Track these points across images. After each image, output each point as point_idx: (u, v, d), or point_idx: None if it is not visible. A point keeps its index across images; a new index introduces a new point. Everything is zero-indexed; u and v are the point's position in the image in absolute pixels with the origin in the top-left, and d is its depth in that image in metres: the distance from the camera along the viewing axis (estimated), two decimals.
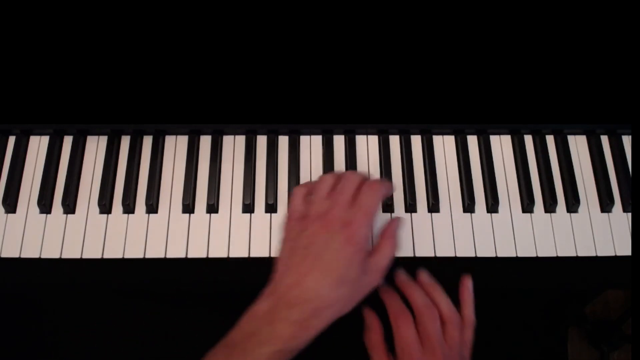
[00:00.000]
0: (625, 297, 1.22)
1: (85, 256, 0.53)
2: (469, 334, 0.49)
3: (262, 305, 0.43)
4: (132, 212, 0.55)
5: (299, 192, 0.49)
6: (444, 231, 0.55)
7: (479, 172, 0.58)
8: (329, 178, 0.48)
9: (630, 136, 0.59)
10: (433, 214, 0.56)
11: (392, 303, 0.49)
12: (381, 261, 0.46)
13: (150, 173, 0.56)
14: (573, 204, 0.56)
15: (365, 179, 0.48)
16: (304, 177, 0.57)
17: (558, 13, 0.60)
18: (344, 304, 0.43)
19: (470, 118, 0.58)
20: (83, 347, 0.64)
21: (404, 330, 0.47)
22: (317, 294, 0.41)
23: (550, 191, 0.56)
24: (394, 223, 0.50)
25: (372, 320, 0.50)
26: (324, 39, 0.59)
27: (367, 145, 0.58)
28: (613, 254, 0.54)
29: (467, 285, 0.51)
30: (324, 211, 0.44)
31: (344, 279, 0.42)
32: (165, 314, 0.65)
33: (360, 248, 0.43)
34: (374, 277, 0.45)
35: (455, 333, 0.48)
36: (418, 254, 0.54)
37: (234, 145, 0.58)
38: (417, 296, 0.49)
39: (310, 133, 0.59)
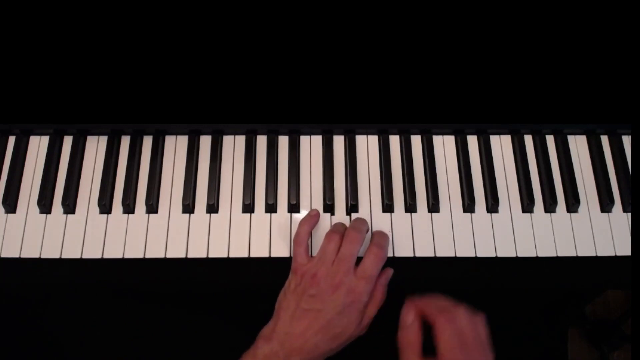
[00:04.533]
0: (625, 297, 1.22)
1: (85, 256, 0.53)
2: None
3: (264, 349, 0.47)
4: (132, 212, 0.55)
5: (301, 247, 0.51)
6: (444, 231, 0.55)
7: (479, 172, 0.58)
8: (336, 240, 0.51)
9: (630, 136, 0.59)
10: (433, 214, 0.56)
11: (425, 306, 0.48)
12: (373, 313, 0.50)
13: (150, 173, 0.56)
14: (573, 204, 0.56)
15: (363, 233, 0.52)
16: (304, 177, 0.57)
17: (558, 13, 0.60)
18: (335, 351, 0.49)
19: (470, 118, 0.58)
20: (83, 347, 0.64)
21: (450, 332, 0.45)
22: (316, 347, 0.47)
23: (550, 191, 0.56)
24: (387, 274, 0.52)
25: (412, 319, 0.47)
26: (324, 39, 0.59)
27: (367, 145, 0.58)
28: (613, 254, 0.54)
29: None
30: (332, 275, 0.49)
31: (342, 336, 0.48)
32: (165, 315, 0.65)
33: (360, 311, 0.49)
34: (364, 328, 0.50)
35: (481, 329, 0.48)
36: (418, 254, 0.54)
37: (234, 145, 0.58)
38: (440, 301, 0.49)
39: (310, 133, 0.59)
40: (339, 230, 0.51)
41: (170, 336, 0.64)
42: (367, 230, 0.54)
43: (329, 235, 0.51)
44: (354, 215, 0.55)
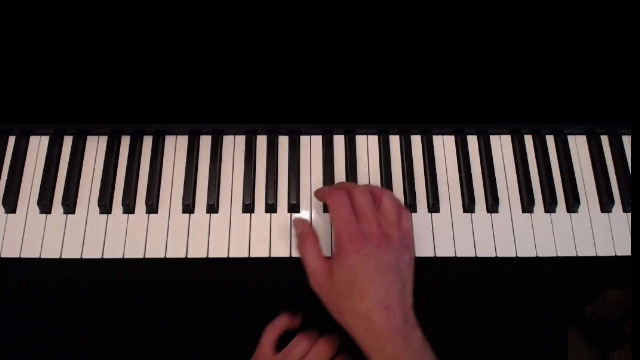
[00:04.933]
0: (625, 297, 1.23)
1: (85, 256, 0.53)
2: (405, 222, 0.48)
3: None
4: (132, 212, 0.55)
5: (263, 349, 0.52)
6: (444, 231, 0.55)
7: (479, 172, 0.58)
8: (303, 347, 0.51)
9: (630, 136, 0.59)
10: (433, 214, 0.56)
11: (325, 189, 0.50)
12: None
13: (150, 173, 0.56)
14: (573, 204, 0.56)
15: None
16: (304, 177, 0.57)
17: (558, 13, 0.60)
18: None
19: (470, 118, 0.58)
20: (82, 348, 0.64)
21: (338, 204, 0.46)
22: None
23: (550, 191, 0.56)
24: None
25: (305, 226, 0.50)
26: (324, 38, 0.59)
27: (367, 145, 0.58)
28: (613, 254, 0.54)
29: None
30: None
31: None
32: (164, 316, 0.65)
33: None
34: None
35: (390, 203, 0.47)
36: (418, 254, 0.53)
37: (234, 145, 0.58)
38: (341, 183, 0.51)
39: (310, 133, 0.59)
40: (310, 337, 0.51)
41: (170, 337, 0.64)
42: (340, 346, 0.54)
43: (298, 338, 0.51)
44: None
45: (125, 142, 0.58)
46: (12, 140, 0.58)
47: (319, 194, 0.52)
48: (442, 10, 0.60)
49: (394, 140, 0.59)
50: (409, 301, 0.45)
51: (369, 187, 0.48)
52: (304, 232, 0.49)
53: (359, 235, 0.44)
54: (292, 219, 0.52)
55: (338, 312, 0.45)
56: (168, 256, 0.53)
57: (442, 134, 0.59)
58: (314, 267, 0.47)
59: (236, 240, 0.54)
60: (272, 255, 0.54)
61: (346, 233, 0.45)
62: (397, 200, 0.48)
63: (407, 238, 0.47)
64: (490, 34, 0.59)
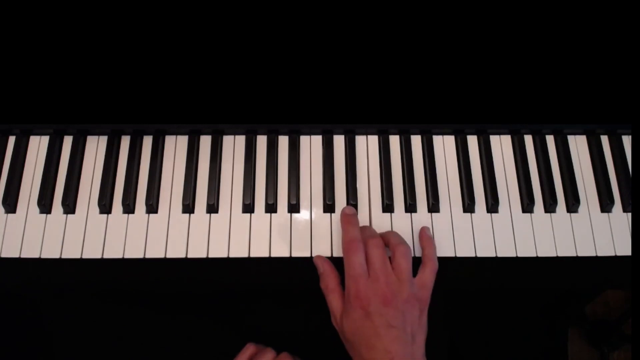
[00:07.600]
0: (625, 297, 1.23)
1: (85, 256, 0.53)
2: (428, 274, 0.50)
3: None
4: (132, 212, 0.55)
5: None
6: (444, 231, 0.55)
7: (479, 172, 0.58)
8: None
9: (630, 136, 0.59)
10: (433, 214, 0.56)
11: (346, 235, 0.51)
12: None
13: (150, 173, 0.56)
14: (573, 204, 0.56)
15: None
16: (304, 177, 0.57)
17: (558, 13, 0.60)
18: None
19: (470, 118, 0.58)
20: (82, 348, 0.64)
21: (352, 257, 0.49)
22: None
23: (550, 191, 0.56)
24: None
25: (325, 266, 0.52)
26: (324, 38, 0.59)
27: (367, 145, 0.58)
28: (613, 254, 0.54)
29: (425, 231, 0.54)
30: None
31: None
32: (163, 318, 0.65)
33: None
34: None
35: (403, 261, 0.49)
36: (418, 254, 0.54)
37: (234, 145, 0.58)
38: (365, 228, 0.52)
39: (310, 133, 0.59)
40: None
41: (168, 337, 0.64)
42: None
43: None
44: None
45: (125, 142, 0.58)
46: (12, 140, 0.58)
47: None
48: (442, 10, 0.60)
49: (394, 140, 0.59)
50: (420, 351, 0.47)
51: (383, 240, 0.50)
52: (325, 272, 0.51)
53: (367, 293, 0.47)
54: (313, 256, 0.53)
55: (352, 355, 0.49)
56: (168, 256, 0.53)
57: (442, 134, 0.59)
58: (333, 308, 0.50)
59: (236, 240, 0.54)
60: (272, 255, 0.54)
61: (354, 289, 0.47)
62: (410, 257, 0.50)
63: (420, 292, 0.49)
64: (490, 33, 0.59)
